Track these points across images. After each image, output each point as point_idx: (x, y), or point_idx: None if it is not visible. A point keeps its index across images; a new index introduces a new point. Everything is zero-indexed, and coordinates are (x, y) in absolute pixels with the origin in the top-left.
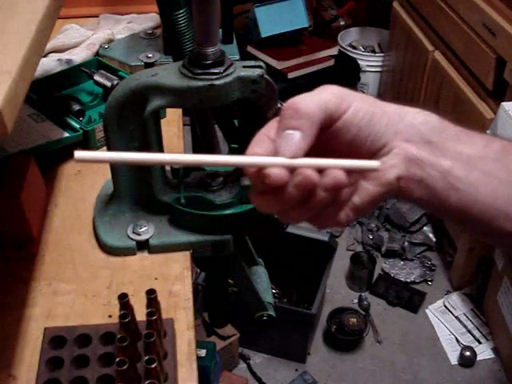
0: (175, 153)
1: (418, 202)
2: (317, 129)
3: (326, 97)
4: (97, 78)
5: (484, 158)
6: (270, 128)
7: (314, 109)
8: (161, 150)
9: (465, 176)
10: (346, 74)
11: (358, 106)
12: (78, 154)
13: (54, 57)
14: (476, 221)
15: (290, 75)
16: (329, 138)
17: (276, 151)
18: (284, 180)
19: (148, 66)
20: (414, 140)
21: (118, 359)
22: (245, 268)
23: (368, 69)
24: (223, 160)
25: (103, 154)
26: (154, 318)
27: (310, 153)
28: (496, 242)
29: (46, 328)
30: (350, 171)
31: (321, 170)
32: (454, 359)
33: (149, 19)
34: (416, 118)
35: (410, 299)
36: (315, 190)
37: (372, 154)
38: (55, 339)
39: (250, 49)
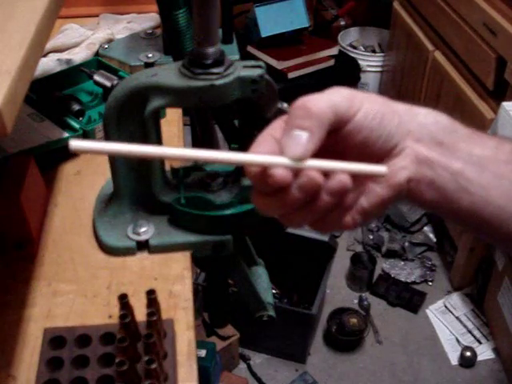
0: (176, 147)
1: (428, 205)
2: (325, 130)
3: (337, 99)
4: (97, 77)
5: (495, 159)
6: (276, 128)
7: (325, 109)
8: None
9: (476, 178)
10: (346, 73)
11: (369, 108)
12: (74, 142)
13: (54, 57)
14: (487, 225)
15: (290, 75)
16: (339, 141)
17: (281, 151)
18: (288, 181)
19: (148, 65)
20: (424, 140)
21: (117, 360)
22: (245, 268)
23: (368, 69)
24: (224, 157)
25: (101, 144)
26: (154, 318)
27: (318, 154)
28: (507, 247)
29: (45, 328)
30: (356, 175)
31: (326, 173)
32: (454, 359)
33: (149, 19)
34: (427, 118)
35: (411, 299)
36: (319, 193)
37: (383, 155)
38: (55, 339)
39: (249, 49)
